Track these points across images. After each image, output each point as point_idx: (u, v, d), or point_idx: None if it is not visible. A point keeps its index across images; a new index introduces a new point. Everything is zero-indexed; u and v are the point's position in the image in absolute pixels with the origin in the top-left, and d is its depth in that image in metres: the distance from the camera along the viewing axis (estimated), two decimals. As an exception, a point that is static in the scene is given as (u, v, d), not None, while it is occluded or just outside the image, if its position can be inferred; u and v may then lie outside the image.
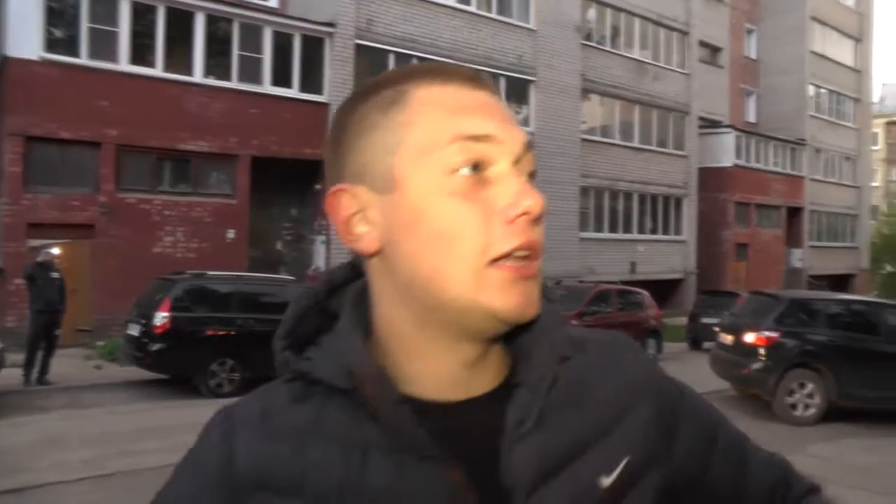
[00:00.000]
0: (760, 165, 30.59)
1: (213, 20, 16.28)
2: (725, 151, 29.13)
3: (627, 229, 24.92)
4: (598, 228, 24.01)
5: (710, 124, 29.79)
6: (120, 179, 15.10)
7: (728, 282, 27.12)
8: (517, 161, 0.70)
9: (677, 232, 26.67)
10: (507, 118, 0.71)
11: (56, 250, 11.89)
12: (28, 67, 14.06)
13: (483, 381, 0.73)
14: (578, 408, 0.73)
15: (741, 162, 29.48)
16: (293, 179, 17.49)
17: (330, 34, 17.70)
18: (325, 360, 0.71)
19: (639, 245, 25.07)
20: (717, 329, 12.01)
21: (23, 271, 11.28)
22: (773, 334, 10.14)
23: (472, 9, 20.43)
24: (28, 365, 10.70)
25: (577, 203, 22.77)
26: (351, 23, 17.94)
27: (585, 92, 23.43)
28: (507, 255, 0.66)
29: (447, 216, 0.67)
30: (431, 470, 0.67)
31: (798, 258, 33.33)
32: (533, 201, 0.66)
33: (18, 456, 7.18)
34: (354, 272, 0.78)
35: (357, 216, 0.71)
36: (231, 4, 17.05)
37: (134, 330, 10.95)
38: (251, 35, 16.76)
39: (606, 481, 0.71)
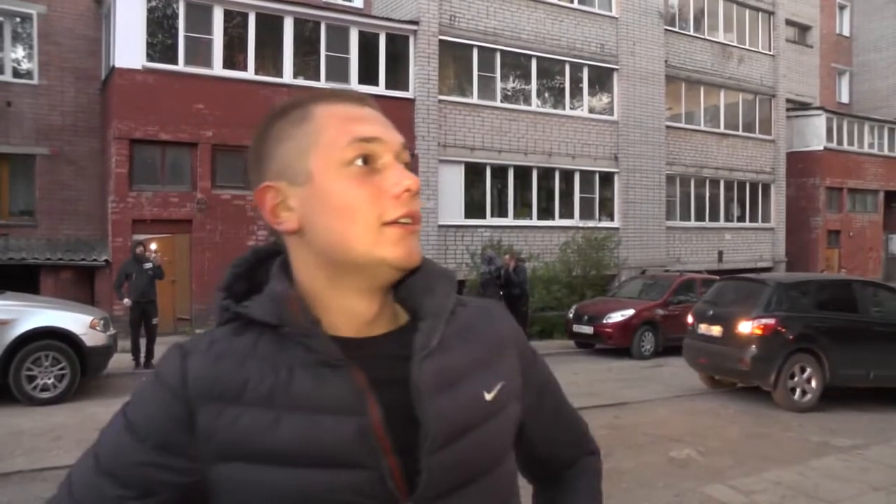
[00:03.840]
0: (854, 148, 29.32)
1: (300, 23, 16.86)
2: (815, 134, 28.13)
3: (714, 217, 24.51)
4: (685, 217, 23.70)
5: (798, 106, 28.97)
6: (215, 177, 15.88)
7: (819, 270, 26.38)
8: (397, 155, 0.94)
9: (765, 219, 26.05)
10: (388, 125, 0.96)
11: (154, 245, 12.66)
12: (132, 76, 14.95)
13: (383, 323, 0.96)
14: (466, 342, 0.97)
15: (832, 145, 28.38)
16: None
17: (414, 32, 18.10)
18: (259, 306, 0.91)
19: (726, 233, 24.65)
20: (691, 320, 11.09)
21: (120, 268, 12.07)
22: (771, 321, 9.64)
23: (553, 0, 20.52)
24: (134, 350, 11.55)
25: (663, 192, 22.59)
26: (434, 19, 18.29)
27: (669, 78, 23.15)
28: (396, 220, 0.89)
29: (346, 195, 0.89)
30: (341, 376, 0.87)
31: (898, 244, 32.06)
32: (412, 181, 0.91)
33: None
34: (275, 250, 1.01)
35: (280, 205, 0.93)
36: (318, 7, 17.64)
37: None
38: (338, 36, 17.27)
39: (489, 396, 0.95)
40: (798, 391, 9.60)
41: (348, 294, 0.92)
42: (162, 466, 0.87)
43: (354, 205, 0.89)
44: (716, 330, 10.28)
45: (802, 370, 9.60)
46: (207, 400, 0.87)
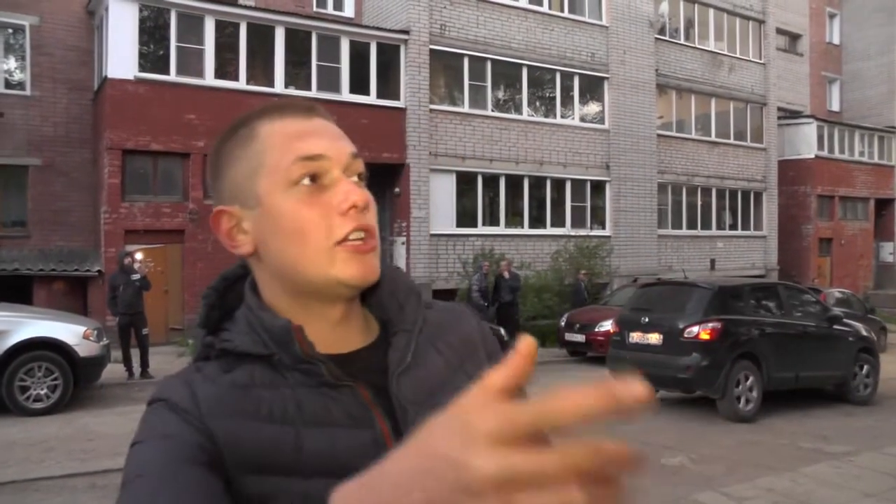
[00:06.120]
0: (844, 156, 29.43)
1: (292, 33, 16.91)
2: (806, 142, 28.23)
3: (706, 225, 24.59)
4: (676, 225, 23.78)
5: (789, 115, 29.12)
6: (207, 187, 15.84)
7: (810, 277, 26.49)
8: (346, 168, 0.91)
9: (757, 227, 26.15)
10: (336, 136, 0.93)
11: (139, 255, 12.66)
12: (124, 86, 14.99)
13: (353, 338, 0.95)
14: (437, 350, 0.97)
15: (823, 153, 28.47)
16: (372, 183, 17.55)
17: (405, 41, 18.16)
18: (244, 339, 0.90)
19: (718, 241, 24.73)
20: (615, 329, 10.79)
21: (109, 281, 12.06)
22: (717, 325, 9.34)
23: (543, 9, 20.60)
24: (126, 361, 11.50)
25: (655, 200, 22.68)
26: (425, 29, 18.36)
27: (660, 87, 23.28)
28: (346, 238, 0.87)
29: (295, 217, 0.87)
30: (346, 393, 0.88)
31: (889, 252, 32.11)
32: (358, 196, 0.89)
33: (124, 441, 7.79)
34: (244, 271, 0.99)
35: (235, 228, 0.92)
36: (309, 17, 17.73)
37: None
38: (329, 46, 17.32)
39: None
40: (742, 399, 9.37)
41: (312, 311, 0.92)
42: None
43: (304, 226, 0.87)
44: (654, 338, 9.89)
45: (746, 377, 9.40)
46: (224, 417, 0.85)
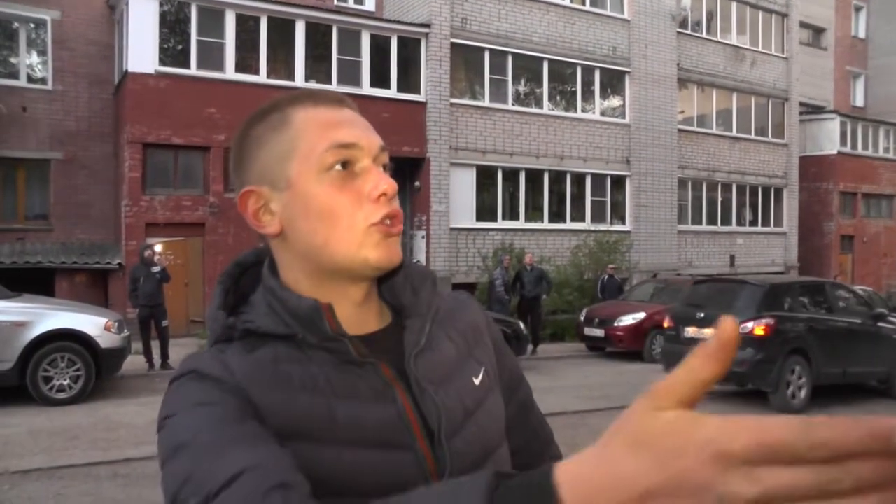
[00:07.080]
0: (868, 152, 29.01)
1: (312, 26, 16.95)
2: (829, 138, 27.87)
3: (726, 221, 24.42)
4: (696, 221, 23.62)
5: (812, 110, 28.79)
6: (227, 181, 15.91)
7: (831, 275, 26.17)
8: (375, 158, 0.95)
9: (777, 224, 25.91)
10: (367, 128, 0.97)
11: (158, 247, 12.77)
12: (145, 81, 15.10)
13: (371, 320, 0.98)
14: (448, 335, 1.01)
15: (846, 149, 28.08)
16: (392, 177, 17.98)
17: (426, 34, 18.15)
18: (267, 319, 0.92)
19: (738, 237, 24.55)
20: (670, 323, 11.11)
21: (130, 274, 12.20)
22: (771, 321, 9.65)
23: (565, 3, 20.51)
24: (146, 352, 11.64)
25: (675, 195, 22.54)
26: (446, 22, 18.34)
27: (681, 81, 23.12)
28: (379, 222, 0.91)
29: (328, 200, 0.90)
30: (369, 369, 0.91)
31: (914, 250, 31.69)
32: (388, 184, 0.93)
33: (146, 430, 7.90)
34: (257, 258, 1.03)
35: (262, 209, 0.95)
36: (329, 11, 17.75)
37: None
38: (349, 39, 17.35)
39: (477, 381, 1.00)
40: (791, 392, 9.72)
41: (333, 293, 0.94)
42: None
43: (336, 209, 0.91)
44: (709, 332, 10.03)
45: (794, 371, 9.74)
46: (259, 384, 0.87)
